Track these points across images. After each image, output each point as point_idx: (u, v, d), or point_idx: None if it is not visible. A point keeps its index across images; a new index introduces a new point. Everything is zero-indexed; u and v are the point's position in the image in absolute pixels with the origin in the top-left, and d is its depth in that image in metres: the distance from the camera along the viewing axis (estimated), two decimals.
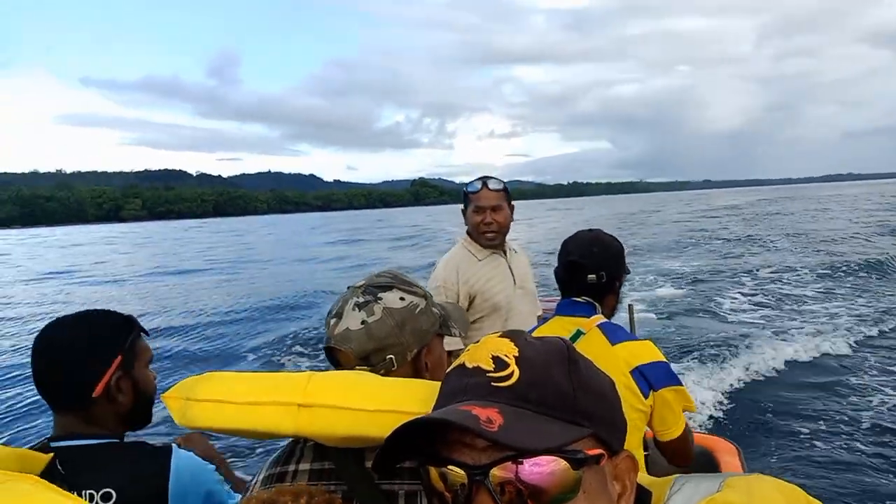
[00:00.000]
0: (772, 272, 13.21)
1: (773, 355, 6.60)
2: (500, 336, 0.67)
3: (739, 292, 11.27)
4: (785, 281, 12.00)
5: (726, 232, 24.06)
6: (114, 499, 1.25)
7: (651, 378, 1.75)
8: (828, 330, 7.73)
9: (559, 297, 2.04)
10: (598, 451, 0.61)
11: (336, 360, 1.15)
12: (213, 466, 1.48)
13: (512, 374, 0.61)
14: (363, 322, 1.11)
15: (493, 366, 0.62)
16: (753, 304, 10.15)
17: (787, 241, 19.54)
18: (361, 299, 1.13)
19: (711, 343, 7.51)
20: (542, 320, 2.16)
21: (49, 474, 1.19)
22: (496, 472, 0.57)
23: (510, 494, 0.56)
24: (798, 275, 12.51)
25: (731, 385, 5.80)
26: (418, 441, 0.63)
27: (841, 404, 5.26)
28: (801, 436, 4.74)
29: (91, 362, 1.34)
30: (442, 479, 0.60)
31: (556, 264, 2.05)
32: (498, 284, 2.64)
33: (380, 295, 1.14)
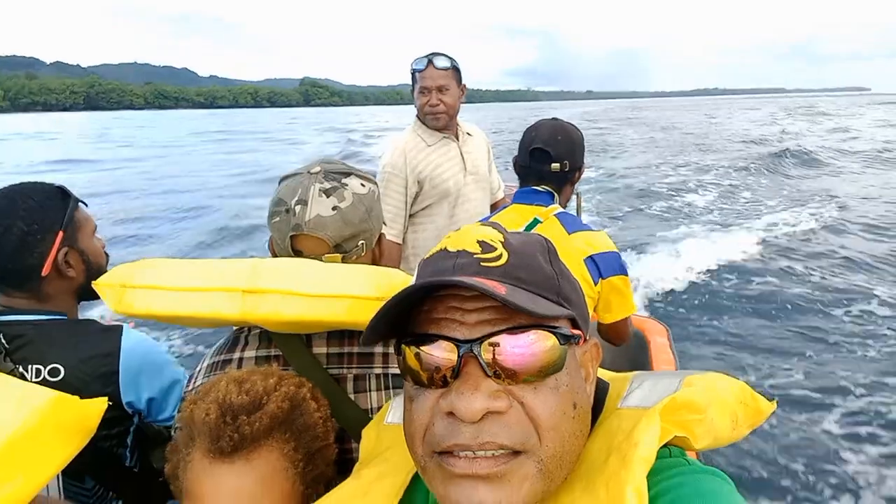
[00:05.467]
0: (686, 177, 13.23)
1: (701, 250, 6.90)
2: (483, 224, 0.67)
3: (664, 190, 11.39)
4: (702, 184, 12.09)
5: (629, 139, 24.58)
6: (62, 375, 1.21)
7: (602, 266, 1.78)
8: (751, 226, 7.99)
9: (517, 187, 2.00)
10: (577, 332, 0.63)
11: (298, 249, 1.08)
12: (164, 347, 1.43)
13: (501, 255, 0.62)
14: (335, 208, 1.06)
15: (480, 248, 0.62)
16: (675, 207, 10.20)
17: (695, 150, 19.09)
18: (327, 185, 1.08)
19: (650, 238, 7.81)
20: (501, 207, 2.09)
21: None
22: (486, 347, 0.57)
23: (503, 366, 0.56)
24: (713, 177, 12.78)
25: (666, 275, 6.14)
26: (397, 321, 0.63)
27: (757, 293, 5.64)
28: (724, 318, 5.08)
29: (32, 242, 1.26)
30: (418, 361, 0.59)
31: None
32: (447, 171, 2.51)
33: (344, 181, 1.10)
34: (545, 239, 0.68)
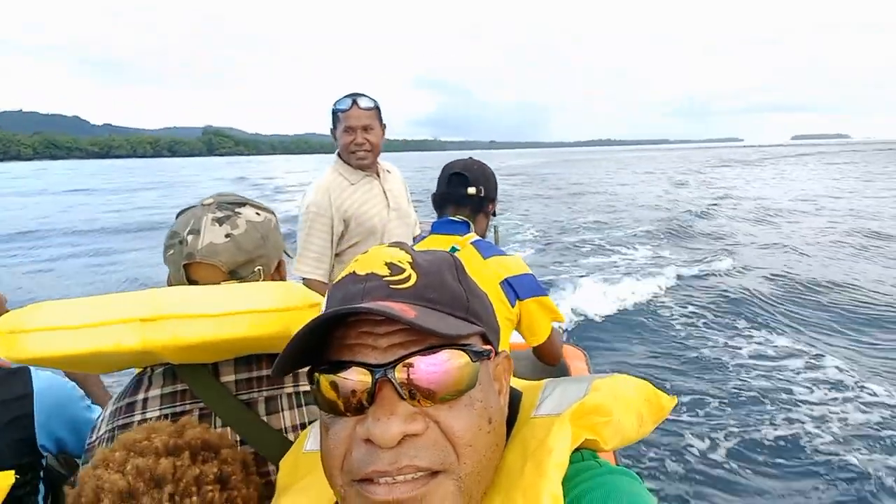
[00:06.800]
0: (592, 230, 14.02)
1: (609, 287, 7.93)
2: (390, 245, 0.67)
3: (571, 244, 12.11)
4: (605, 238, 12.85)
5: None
6: None
7: (518, 288, 1.84)
8: (648, 272, 8.97)
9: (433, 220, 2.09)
10: (488, 347, 0.64)
11: (194, 279, 1.08)
12: (73, 383, 1.40)
13: (409, 276, 0.62)
14: (228, 235, 1.08)
15: (389, 271, 0.62)
16: (584, 251, 11.20)
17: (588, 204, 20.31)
18: (220, 214, 1.09)
19: (564, 274, 8.92)
20: (419, 237, 2.18)
21: None
22: (400, 369, 0.57)
23: (418, 388, 0.57)
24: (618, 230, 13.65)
25: (579, 307, 6.93)
26: (308, 348, 0.62)
27: (657, 321, 6.61)
28: (633, 341, 5.93)
29: None
30: (333, 389, 0.59)
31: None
32: (372, 209, 2.54)
33: (237, 210, 1.12)
34: (452, 256, 0.69)
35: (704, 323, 6.58)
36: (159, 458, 0.79)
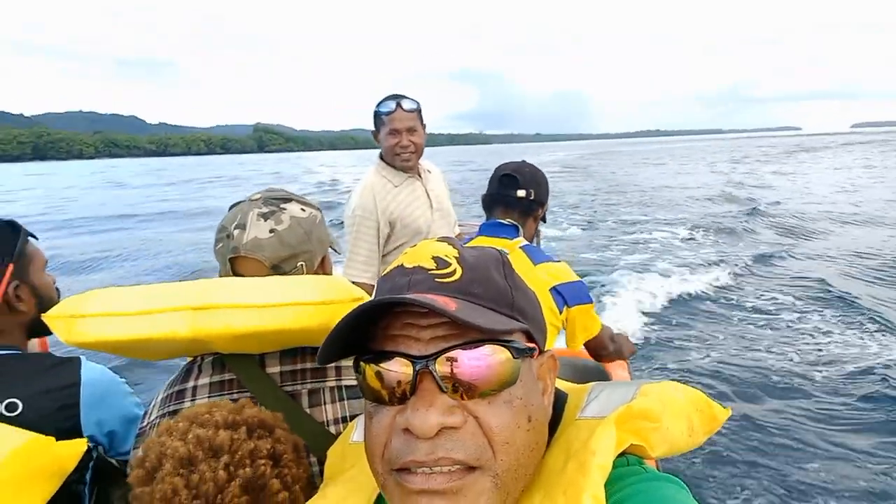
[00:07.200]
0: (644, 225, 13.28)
1: (655, 288, 7.20)
2: (438, 240, 0.67)
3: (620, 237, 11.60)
4: (659, 231, 12.18)
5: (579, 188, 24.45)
6: (20, 409, 1.17)
7: (566, 295, 1.85)
8: (709, 267, 8.33)
9: (480, 221, 2.10)
10: (532, 345, 0.64)
11: (240, 272, 1.12)
12: (122, 379, 1.41)
13: (455, 271, 0.63)
14: (272, 230, 1.10)
15: (435, 265, 0.63)
16: (634, 248, 10.48)
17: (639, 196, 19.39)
18: (265, 209, 1.12)
19: (605, 275, 8.21)
20: (466, 238, 2.14)
21: None
22: (442, 361, 0.57)
23: (458, 382, 0.57)
24: (668, 225, 12.78)
25: (624, 308, 6.51)
26: (354, 338, 0.63)
27: (711, 325, 5.93)
28: (679, 350, 5.29)
29: None
30: (377, 378, 0.60)
31: None
32: (417, 210, 2.56)
33: (283, 205, 1.14)
34: (500, 252, 0.69)
35: (765, 325, 5.92)
36: (218, 430, 0.84)
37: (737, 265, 8.43)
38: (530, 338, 0.65)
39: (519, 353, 0.61)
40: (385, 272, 0.68)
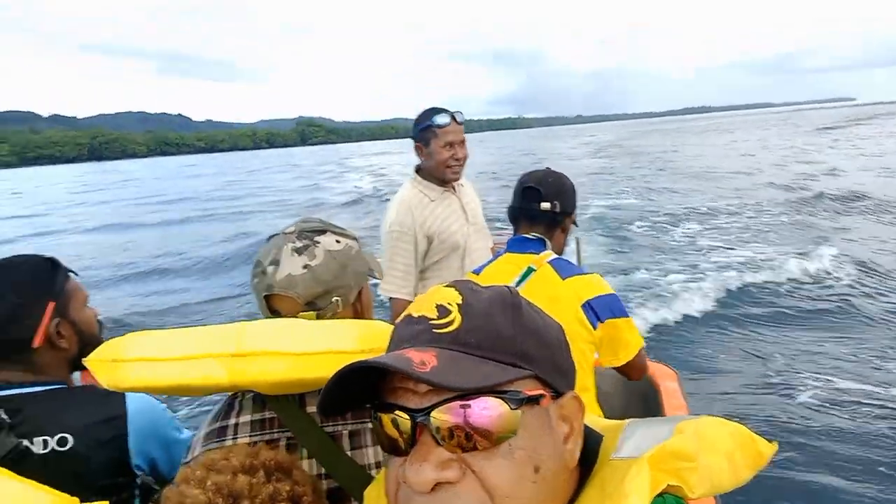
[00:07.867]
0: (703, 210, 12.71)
1: (707, 290, 6.74)
2: (447, 286, 0.68)
3: (677, 230, 10.98)
4: (713, 217, 11.66)
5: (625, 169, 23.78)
6: (70, 443, 1.20)
7: (599, 310, 1.79)
8: (763, 264, 7.66)
9: (510, 231, 2.09)
10: (539, 391, 0.62)
11: (275, 309, 1.12)
12: (164, 406, 1.44)
13: (453, 320, 0.63)
14: (306, 266, 1.10)
15: (437, 314, 0.64)
16: (691, 241, 9.83)
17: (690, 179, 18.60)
18: (299, 244, 1.12)
19: (654, 276, 7.66)
20: (496, 255, 2.14)
21: None
22: (437, 415, 0.57)
23: (453, 435, 0.57)
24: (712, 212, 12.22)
25: (669, 317, 6.05)
26: (368, 387, 0.64)
27: (764, 334, 5.48)
28: (731, 363, 4.95)
29: (23, 315, 1.28)
30: (394, 426, 0.60)
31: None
32: (454, 224, 2.56)
33: (317, 238, 1.14)
34: (512, 293, 0.68)
35: (830, 337, 5.31)
36: (236, 475, 0.84)
37: (796, 258, 7.78)
38: (543, 381, 0.64)
39: (518, 402, 0.59)
40: (398, 319, 0.70)
